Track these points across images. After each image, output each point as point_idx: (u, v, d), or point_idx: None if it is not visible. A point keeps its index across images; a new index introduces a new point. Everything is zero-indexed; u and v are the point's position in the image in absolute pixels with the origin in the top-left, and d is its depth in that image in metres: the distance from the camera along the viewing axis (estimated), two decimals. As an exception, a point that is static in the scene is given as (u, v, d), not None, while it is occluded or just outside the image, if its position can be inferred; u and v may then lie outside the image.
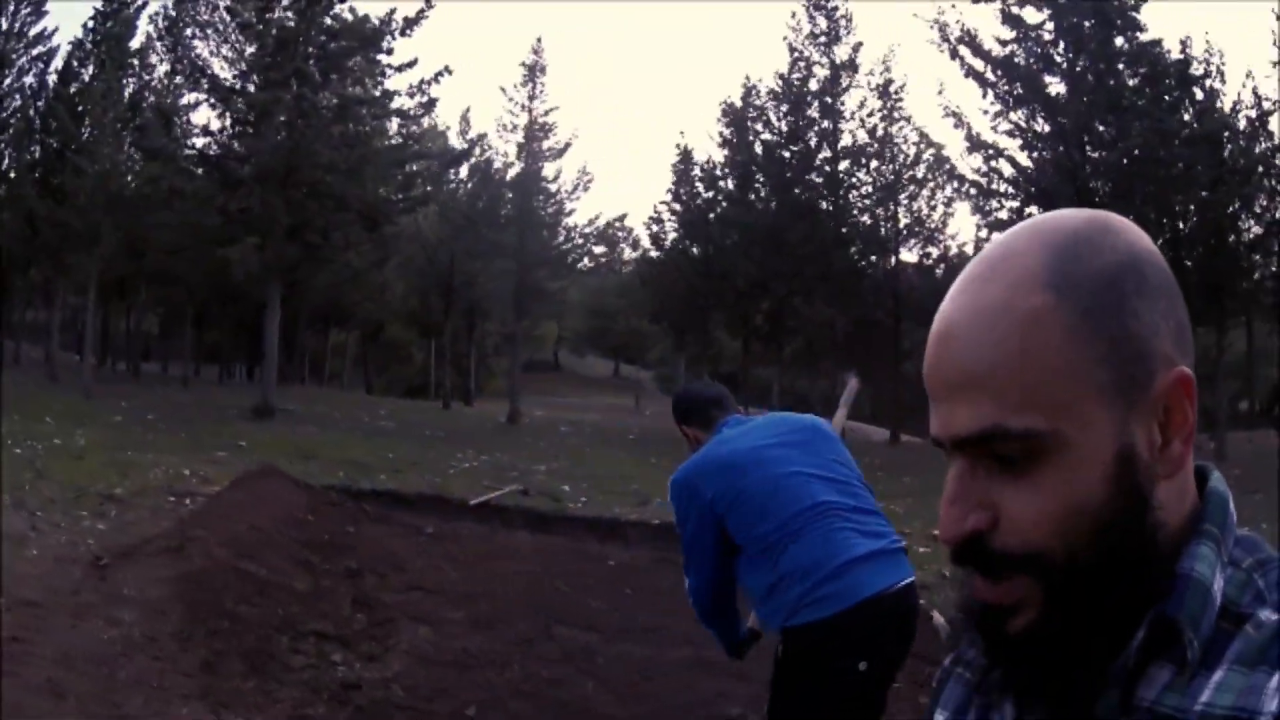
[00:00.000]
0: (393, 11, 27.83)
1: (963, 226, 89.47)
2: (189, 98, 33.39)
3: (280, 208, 25.59)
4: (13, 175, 35.40)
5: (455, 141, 42.96)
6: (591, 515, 15.11)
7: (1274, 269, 28.17)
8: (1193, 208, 27.03)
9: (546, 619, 9.07)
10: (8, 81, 35.76)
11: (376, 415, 30.71)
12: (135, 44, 37.35)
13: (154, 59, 38.59)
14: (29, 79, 37.59)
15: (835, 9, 36.51)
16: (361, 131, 28.38)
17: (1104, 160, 26.73)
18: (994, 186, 29.61)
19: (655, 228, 42.10)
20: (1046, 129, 28.20)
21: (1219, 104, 27.18)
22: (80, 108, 34.78)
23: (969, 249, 35.33)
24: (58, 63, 38.16)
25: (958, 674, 1.22)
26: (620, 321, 73.82)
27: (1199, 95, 27.08)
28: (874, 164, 36.10)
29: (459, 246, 38.67)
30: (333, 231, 28.03)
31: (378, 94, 29.50)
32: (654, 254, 42.83)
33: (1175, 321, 0.98)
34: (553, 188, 37.82)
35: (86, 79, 36.69)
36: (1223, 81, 27.39)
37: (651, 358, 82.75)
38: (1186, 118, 26.79)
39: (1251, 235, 27.99)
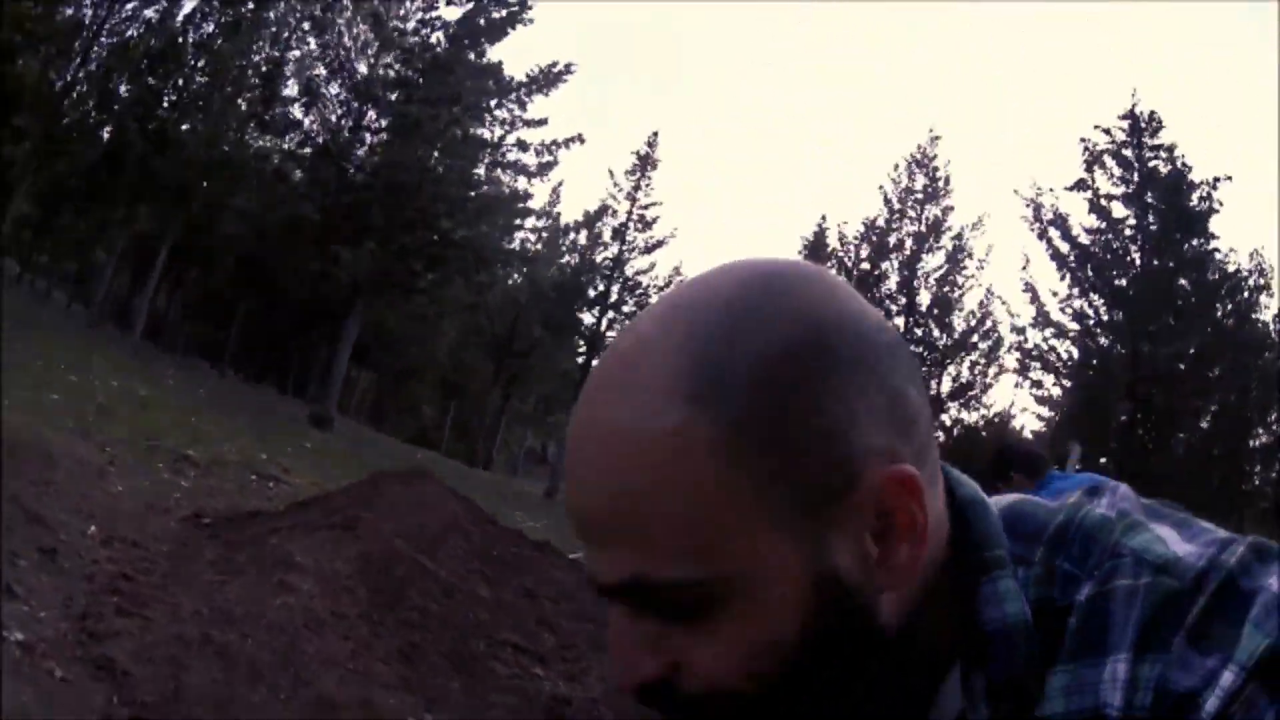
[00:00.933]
0: (552, 65, 27.69)
1: (1000, 394, 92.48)
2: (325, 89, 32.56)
3: (398, 222, 25.11)
4: (115, 108, 33.06)
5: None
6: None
7: (1274, 474, 29.68)
8: (1214, 408, 28.93)
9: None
10: (130, 5, 33.51)
11: (412, 456, 30.15)
12: (273, 14, 35.34)
13: (290, 37, 36.22)
14: (150, 11, 34.49)
15: (936, 169, 37.23)
16: (487, 174, 28.09)
17: (1156, 353, 27.60)
18: (1052, 359, 30.54)
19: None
20: (1107, 317, 29.29)
21: (1259, 314, 29.62)
22: (199, 61, 33.28)
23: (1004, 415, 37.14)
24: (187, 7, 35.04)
25: None
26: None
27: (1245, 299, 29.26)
28: (932, 326, 36.31)
29: (533, 314, 37.97)
30: (438, 264, 27.43)
31: (512, 141, 29.00)
32: None
33: (885, 398, 0.78)
34: (643, 280, 37.44)
35: (210, 31, 34.40)
36: (1269, 295, 29.79)
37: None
38: (1231, 323, 28.69)
39: (1259, 443, 30.07)
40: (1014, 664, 0.78)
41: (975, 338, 36.22)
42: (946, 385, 35.88)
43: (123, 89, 33.30)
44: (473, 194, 26.79)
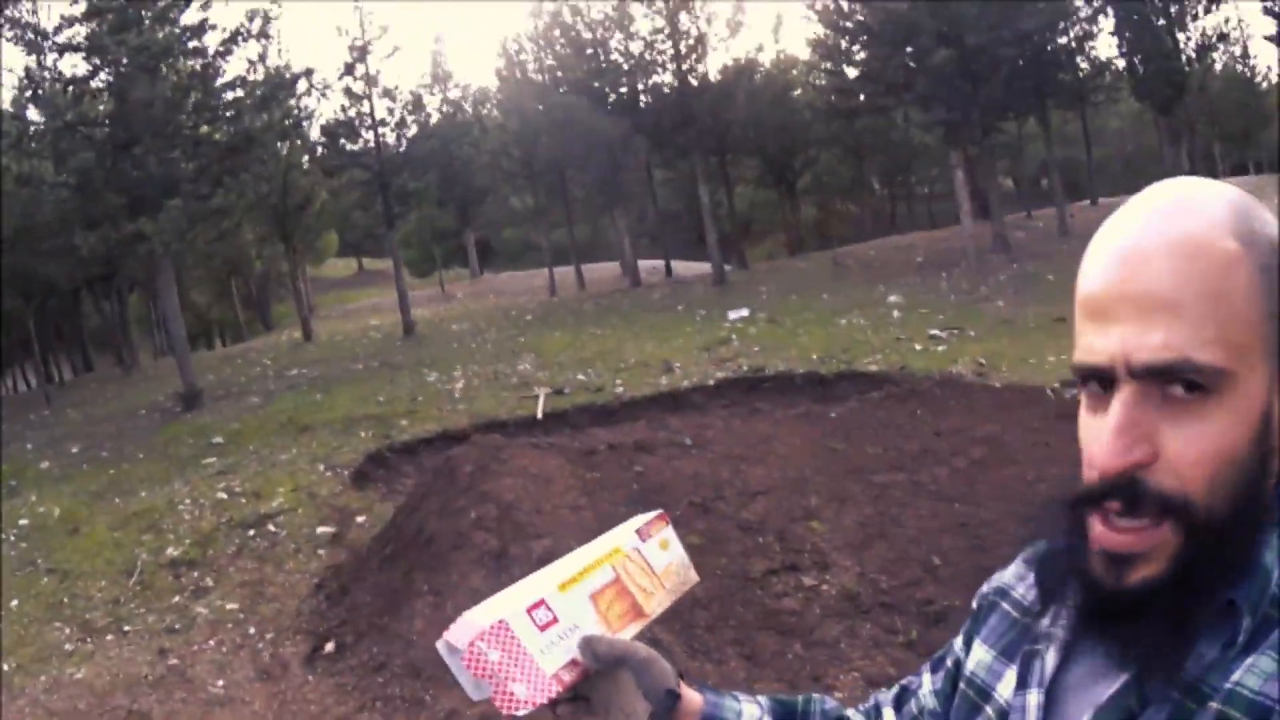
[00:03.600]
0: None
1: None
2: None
3: (181, 164, 23.29)
4: None
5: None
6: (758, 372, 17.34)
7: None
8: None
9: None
10: None
11: (276, 368, 27.69)
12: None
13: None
14: None
15: None
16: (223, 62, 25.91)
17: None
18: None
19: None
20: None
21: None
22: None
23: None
24: None
25: (1003, 610, 1.27)
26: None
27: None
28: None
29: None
30: (232, 177, 24.88)
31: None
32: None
33: None
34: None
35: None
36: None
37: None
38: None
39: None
40: (1242, 590, 0.96)
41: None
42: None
43: None
44: (232, 94, 25.08)
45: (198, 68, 25.47)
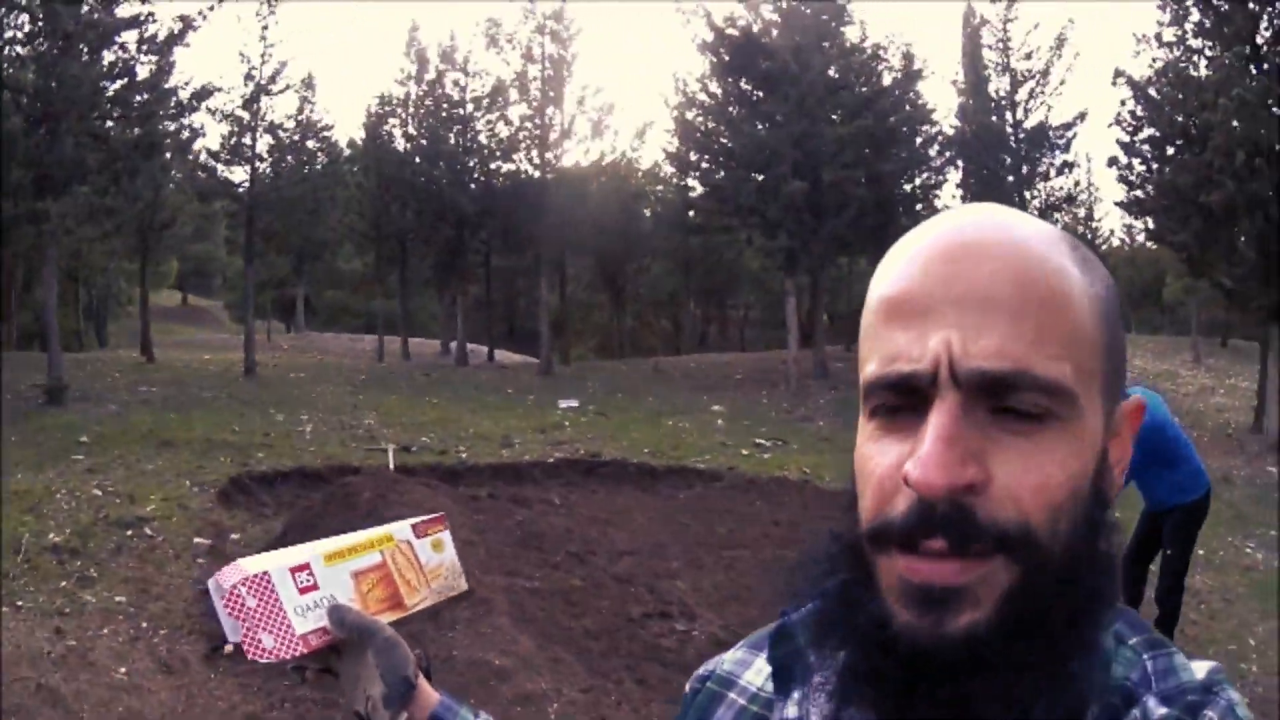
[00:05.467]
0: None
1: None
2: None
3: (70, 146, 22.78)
4: None
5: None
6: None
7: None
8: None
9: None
10: None
11: (126, 381, 27.19)
12: None
13: None
14: None
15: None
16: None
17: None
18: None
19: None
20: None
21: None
22: None
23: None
24: None
25: (730, 700, 1.13)
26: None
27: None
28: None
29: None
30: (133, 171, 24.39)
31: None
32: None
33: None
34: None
35: None
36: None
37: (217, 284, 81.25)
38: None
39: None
40: (1089, 680, 0.85)
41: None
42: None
43: None
44: (149, 94, 24.91)
45: (125, 59, 24.88)
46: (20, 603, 10.01)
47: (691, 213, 36.87)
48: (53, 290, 24.39)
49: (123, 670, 8.84)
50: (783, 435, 22.53)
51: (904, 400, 0.85)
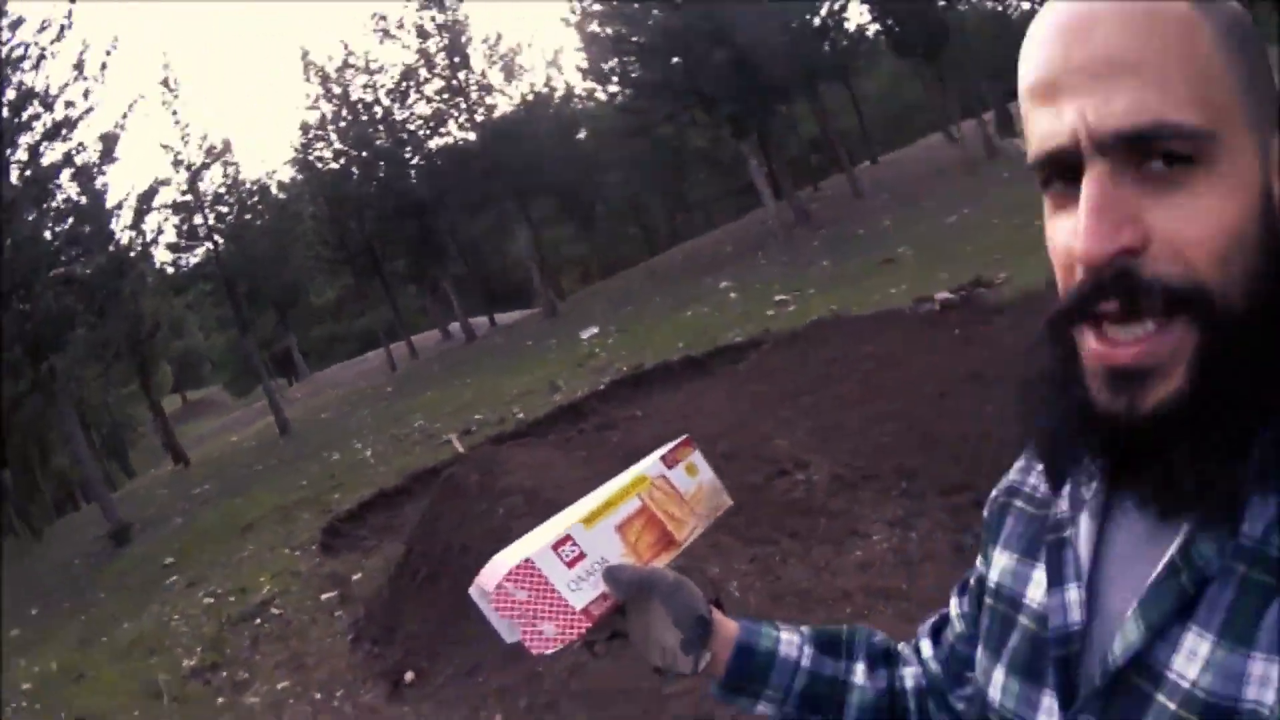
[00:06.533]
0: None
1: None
2: None
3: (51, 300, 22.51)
4: None
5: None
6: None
7: None
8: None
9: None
10: None
11: (175, 493, 27.69)
12: None
13: None
14: None
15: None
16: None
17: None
18: None
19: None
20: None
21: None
22: None
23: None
24: None
25: (1017, 509, 1.18)
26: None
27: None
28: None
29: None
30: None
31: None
32: None
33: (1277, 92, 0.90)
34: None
35: None
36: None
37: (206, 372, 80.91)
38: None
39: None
40: None
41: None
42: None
43: None
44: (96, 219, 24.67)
45: (65, 201, 24.93)
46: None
47: (624, 116, 37.39)
48: (79, 440, 24.53)
49: (323, 750, 8.95)
50: (797, 286, 23.11)
51: (1062, 175, 0.88)
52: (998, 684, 1.13)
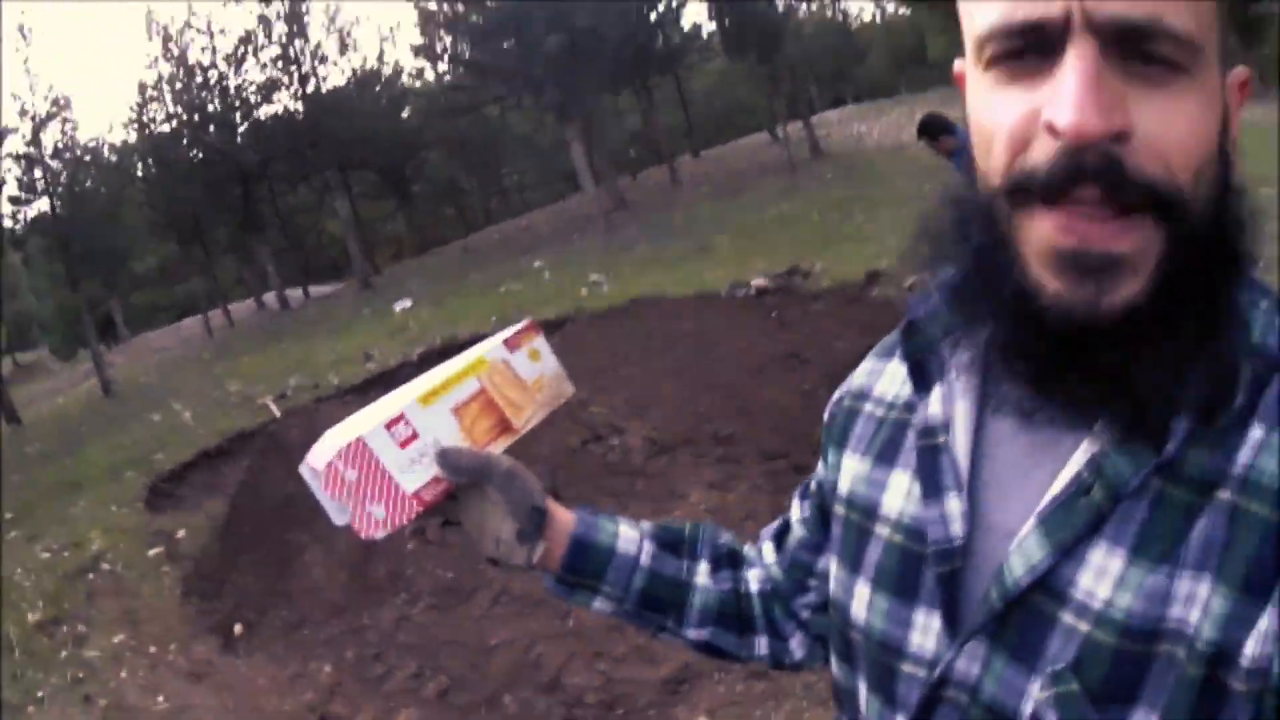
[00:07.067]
0: None
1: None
2: None
3: None
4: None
5: None
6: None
7: None
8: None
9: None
10: None
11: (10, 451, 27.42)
12: None
13: None
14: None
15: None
16: None
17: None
18: None
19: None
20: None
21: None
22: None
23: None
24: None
25: (866, 413, 1.15)
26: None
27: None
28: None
29: None
30: None
31: None
32: None
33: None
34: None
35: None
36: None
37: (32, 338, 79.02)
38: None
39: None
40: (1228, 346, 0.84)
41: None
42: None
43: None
44: None
45: None
46: (40, 693, 9.70)
47: (444, 98, 37.41)
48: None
49: (160, 699, 8.84)
50: (613, 267, 23.41)
51: (1030, 47, 0.82)
52: (862, 600, 1.08)
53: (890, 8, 43.08)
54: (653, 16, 35.28)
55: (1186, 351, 0.82)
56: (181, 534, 12.72)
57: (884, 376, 1.15)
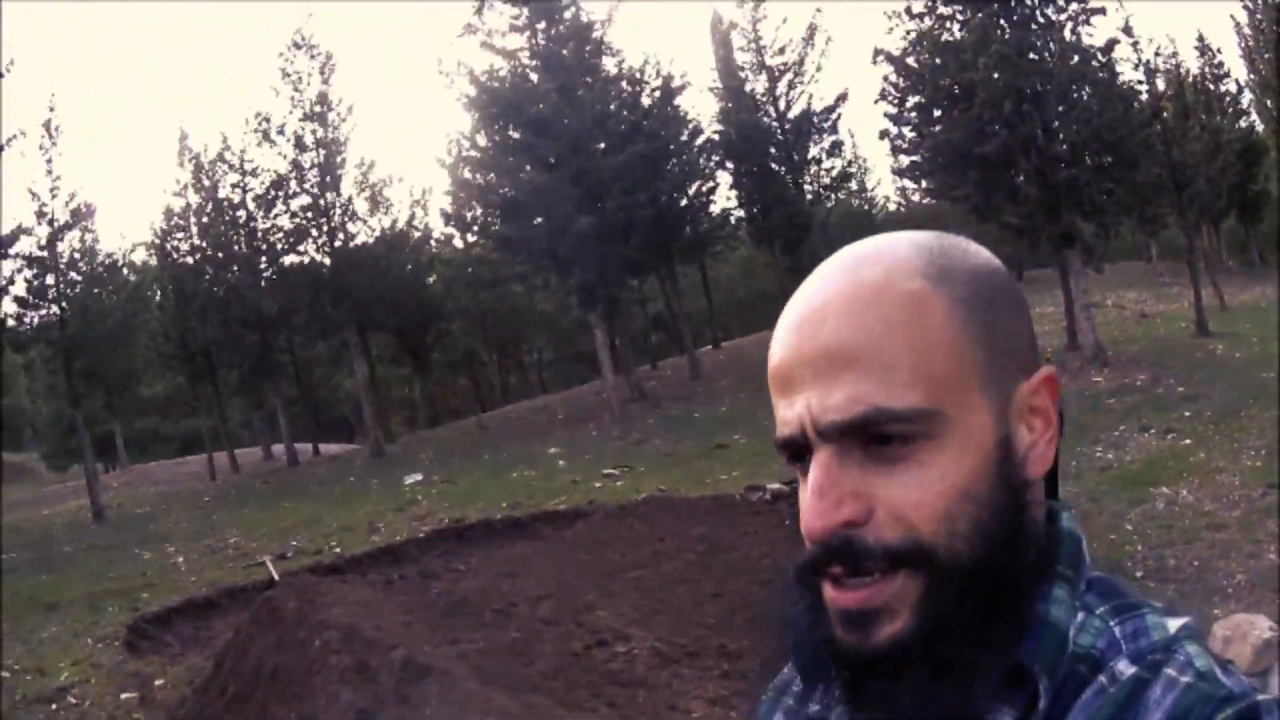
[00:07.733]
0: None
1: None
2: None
3: None
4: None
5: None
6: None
7: None
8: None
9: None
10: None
11: None
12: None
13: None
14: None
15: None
16: None
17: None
18: None
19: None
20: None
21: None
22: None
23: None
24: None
25: (786, 706, 1.19)
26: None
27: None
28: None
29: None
30: None
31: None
32: None
33: (1029, 334, 1.02)
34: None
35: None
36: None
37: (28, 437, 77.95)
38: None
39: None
40: (1035, 651, 0.90)
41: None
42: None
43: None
44: None
45: None
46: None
47: (470, 270, 37.73)
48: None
49: None
50: (626, 462, 23.35)
51: (795, 456, 0.96)
52: None
53: (916, 198, 43.67)
54: (683, 202, 35.80)
55: (952, 673, 0.90)
56: (160, 682, 12.52)
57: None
